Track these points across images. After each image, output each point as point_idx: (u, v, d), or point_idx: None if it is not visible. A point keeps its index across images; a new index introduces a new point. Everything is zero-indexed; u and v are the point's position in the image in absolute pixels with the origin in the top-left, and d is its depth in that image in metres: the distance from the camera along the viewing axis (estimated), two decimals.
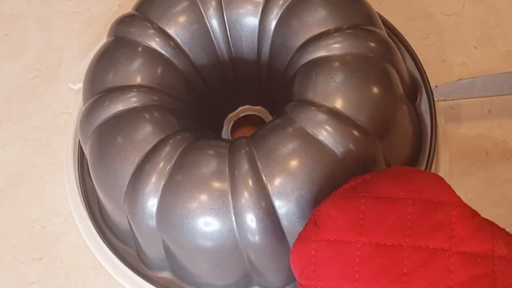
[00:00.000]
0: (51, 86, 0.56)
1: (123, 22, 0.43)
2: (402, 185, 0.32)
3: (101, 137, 0.40)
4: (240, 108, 0.49)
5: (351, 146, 0.36)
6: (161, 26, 0.42)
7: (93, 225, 0.45)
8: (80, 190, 0.47)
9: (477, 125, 0.51)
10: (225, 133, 0.48)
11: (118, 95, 0.40)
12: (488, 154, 0.50)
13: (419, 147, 0.44)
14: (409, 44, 0.47)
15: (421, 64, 0.47)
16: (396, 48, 0.42)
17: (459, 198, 0.32)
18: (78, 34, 0.59)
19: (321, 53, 0.39)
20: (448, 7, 0.58)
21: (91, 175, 0.41)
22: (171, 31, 0.42)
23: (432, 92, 0.45)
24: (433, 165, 0.44)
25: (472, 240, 0.30)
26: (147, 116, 0.39)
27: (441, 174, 0.46)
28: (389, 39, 0.42)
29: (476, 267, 0.29)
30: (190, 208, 0.36)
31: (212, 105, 0.46)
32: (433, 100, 0.45)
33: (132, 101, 0.39)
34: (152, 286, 0.42)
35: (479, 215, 0.32)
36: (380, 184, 0.32)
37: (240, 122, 0.49)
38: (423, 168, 0.43)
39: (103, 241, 0.44)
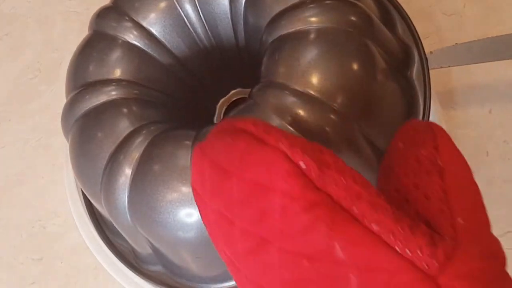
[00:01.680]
0: (51, 86, 0.56)
1: (100, 16, 0.43)
2: (232, 158, 0.27)
3: (79, 130, 0.40)
4: (231, 92, 0.48)
5: (327, 129, 0.34)
6: (135, 18, 0.42)
7: (93, 225, 0.45)
8: (80, 190, 0.47)
9: (477, 125, 0.51)
10: (217, 119, 0.47)
11: (98, 89, 0.40)
12: (489, 154, 0.50)
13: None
14: (401, 7, 0.44)
15: (415, 29, 0.43)
16: (379, 22, 0.39)
17: (295, 186, 0.25)
18: (78, 34, 0.59)
19: (292, 27, 0.36)
20: (449, 6, 0.58)
21: (73, 170, 0.41)
22: (145, 22, 0.42)
23: (426, 59, 0.41)
24: None
25: (299, 237, 0.25)
26: (125, 109, 0.39)
27: None
28: (370, 13, 0.39)
29: (299, 270, 0.25)
30: (158, 200, 0.35)
31: (201, 93, 0.45)
32: (427, 68, 0.41)
33: (111, 94, 0.39)
34: (150, 285, 0.42)
35: (323, 208, 0.25)
36: (219, 146, 0.28)
37: (233, 107, 0.48)
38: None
39: (103, 241, 0.44)
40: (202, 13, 0.42)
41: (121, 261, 0.43)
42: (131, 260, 0.43)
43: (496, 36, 0.45)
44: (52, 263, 0.48)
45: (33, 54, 0.58)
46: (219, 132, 0.28)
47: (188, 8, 0.42)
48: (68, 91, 0.42)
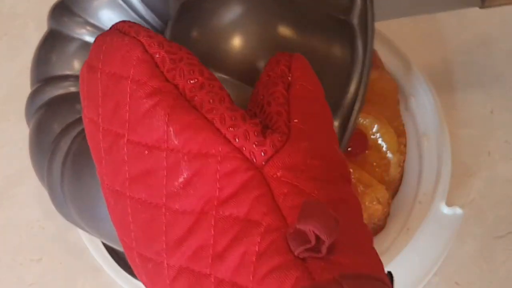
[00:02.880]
0: None
1: (54, 13, 0.44)
2: (99, 53, 0.28)
3: (37, 121, 0.41)
4: None
5: None
6: (83, 15, 0.43)
7: None
8: None
9: (479, 125, 0.51)
10: None
11: (57, 83, 0.41)
12: (490, 155, 0.50)
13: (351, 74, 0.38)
14: None
15: None
16: None
17: (144, 73, 0.26)
18: None
19: None
20: None
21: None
22: (93, 18, 0.42)
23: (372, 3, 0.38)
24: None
25: (142, 125, 0.26)
26: (77, 103, 0.39)
27: (444, 175, 0.46)
28: None
29: (142, 161, 0.26)
30: (92, 193, 0.35)
31: None
32: (372, 9, 0.38)
33: (69, 89, 0.41)
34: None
35: (166, 95, 0.26)
36: (94, 46, 0.29)
37: None
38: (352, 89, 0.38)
39: (102, 243, 0.44)
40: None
41: (120, 262, 0.43)
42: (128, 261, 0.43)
43: None
44: (51, 264, 0.48)
45: (32, 54, 0.58)
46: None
47: None
48: (31, 85, 0.43)
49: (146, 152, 0.25)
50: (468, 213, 0.46)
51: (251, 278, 0.22)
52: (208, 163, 0.24)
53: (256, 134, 0.25)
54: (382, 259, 0.43)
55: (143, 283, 0.27)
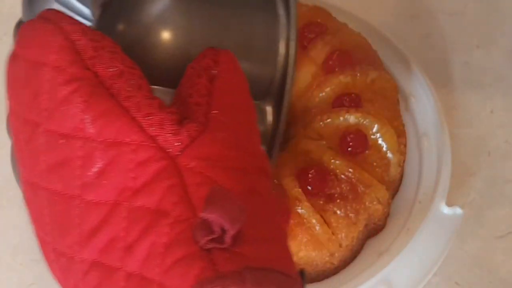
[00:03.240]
0: None
1: (15, 33, 0.42)
2: (23, 40, 0.28)
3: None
4: None
5: None
6: None
7: None
8: None
9: (479, 125, 0.51)
10: None
11: None
12: (490, 154, 0.50)
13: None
14: None
15: None
16: None
17: (64, 60, 0.26)
18: None
19: None
20: (450, 6, 0.58)
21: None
22: None
23: None
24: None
25: (59, 113, 0.25)
26: None
27: (444, 175, 0.46)
28: None
29: (58, 150, 0.25)
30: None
31: None
32: None
33: None
34: None
35: (85, 83, 0.25)
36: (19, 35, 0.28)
37: None
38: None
39: None
40: None
41: None
42: None
43: None
44: None
45: None
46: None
47: None
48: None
49: (62, 141, 0.25)
50: (468, 213, 0.46)
51: (157, 270, 0.22)
52: (123, 152, 0.24)
53: (172, 123, 0.24)
54: (382, 259, 0.43)
55: (57, 280, 0.26)
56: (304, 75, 0.47)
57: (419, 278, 0.43)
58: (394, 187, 0.46)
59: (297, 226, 0.39)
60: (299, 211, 0.40)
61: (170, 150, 0.24)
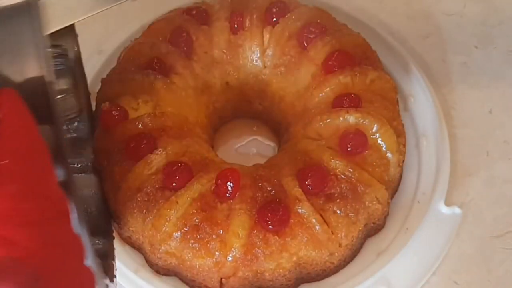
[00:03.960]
0: None
1: None
2: None
3: None
4: None
5: None
6: None
7: None
8: None
9: (478, 125, 0.51)
10: None
11: None
12: (489, 154, 0.50)
13: None
14: None
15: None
16: None
17: None
18: None
19: None
20: (449, 6, 0.58)
21: None
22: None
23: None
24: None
25: None
26: None
27: (442, 175, 0.46)
28: None
29: None
30: None
31: None
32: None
33: None
34: (149, 286, 0.42)
35: None
36: None
37: None
38: None
39: None
40: None
41: (120, 263, 0.43)
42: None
43: None
44: None
45: None
46: None
47: None
48: None
49: None
50: (466, 213, 0.46)
51: None
52: None
53: None
54: (381, 258, 0.43)
55: None
56: (304, 75, 0.47)
57: (418, 277, 0.43)
58: (393, 187, 0.46)
59: (297, 226, 0.39)
60: (299, 210, 0.40)
61: None
